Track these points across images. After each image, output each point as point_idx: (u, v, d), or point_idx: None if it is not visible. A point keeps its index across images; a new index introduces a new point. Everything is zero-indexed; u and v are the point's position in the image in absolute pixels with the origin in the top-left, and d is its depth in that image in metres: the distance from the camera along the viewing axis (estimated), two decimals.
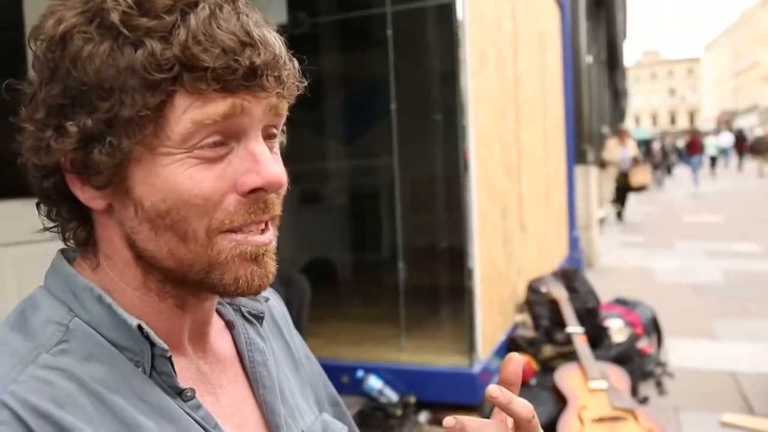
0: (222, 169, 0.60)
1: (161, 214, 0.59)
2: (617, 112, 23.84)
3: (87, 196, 0.61)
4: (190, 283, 0.63)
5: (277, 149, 0.67)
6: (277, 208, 0.65)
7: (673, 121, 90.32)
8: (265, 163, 0.61)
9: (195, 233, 0.60)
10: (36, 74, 0.60)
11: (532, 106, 5.18)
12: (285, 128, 0.72)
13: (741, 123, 54.80)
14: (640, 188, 12.81)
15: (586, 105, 8.51)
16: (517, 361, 0.70)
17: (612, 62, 17.37)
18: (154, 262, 0.62)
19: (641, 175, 12.54)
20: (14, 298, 2.48)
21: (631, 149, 12.56)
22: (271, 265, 0.65)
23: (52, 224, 0.66)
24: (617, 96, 22.37)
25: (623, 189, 12.66)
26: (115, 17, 0.56)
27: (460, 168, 3.30)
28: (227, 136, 0.60)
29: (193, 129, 0.57)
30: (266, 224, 0.64)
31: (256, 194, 0.61)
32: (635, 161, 12.30)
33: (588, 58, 8.98)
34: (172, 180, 0.58)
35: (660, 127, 78.99)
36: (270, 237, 0.65)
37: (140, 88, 0.56)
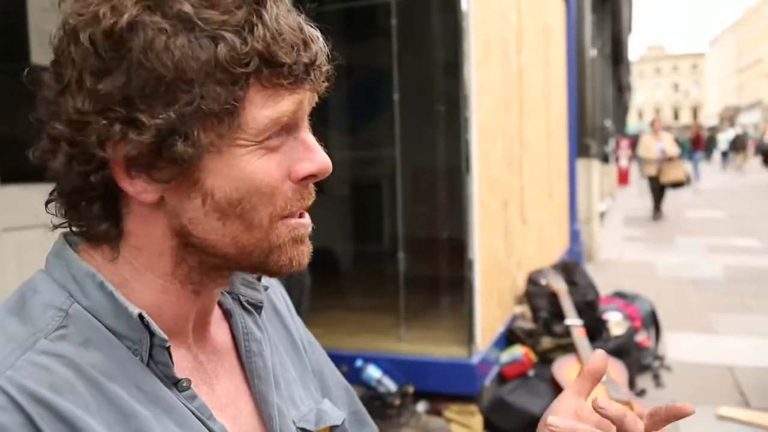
0: (279, 158, 0.63)
1: (233, 204, 0.61)
2: (620, 107, 23.80)
3: (138, 189, 0.60)
4: (242, 267, 0.67)
5: None
6: (313, 195, 0.69)
7: (676, 116, 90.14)
8: (318, 151, 0.65)
9: (261, 220, 0.63)
10: (72, 60, 0.57)
11: (535, 99, 5.17)
12: None
13: (744, 119, 54.68)
14: (676, 184, 11.75)
15: (590, 99, 8.49)
16: (604, 357, 0.73)
17: (616, 56, 17.33)
18: (213, 251, 0.64)
19: (674, 170, 11.55)
20: (15, 283, 2.48)
21: (668, 143, 11.60)
22: (310, 245, 0.69)
23: (62, 220, 0.64)
24: (621, 90, 22.33)
25: (656, 186, 11.97)
26: (187, 8, 0.56)
27: (461, 160, 3.30)
28: (285, 128, 0.63)
29: (270, 124, 0.60)
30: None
31: (306, 180, 0.65)
32: (665, 156, 11.38)
33: (592, 52, 8.96)
34: (248, 170, 0.60)
35: (663, 123, 78.81)
36: (309, 219, 0.68)
37: (223, 80, 0.57)
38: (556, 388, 3.17)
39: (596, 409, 0.67)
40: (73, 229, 0.65)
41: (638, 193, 17.10)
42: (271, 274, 0.69)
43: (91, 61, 0.56)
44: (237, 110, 0.58)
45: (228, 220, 0.62)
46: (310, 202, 0.67)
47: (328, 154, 0.66)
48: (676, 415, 0.70)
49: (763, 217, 11.74)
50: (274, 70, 0.59)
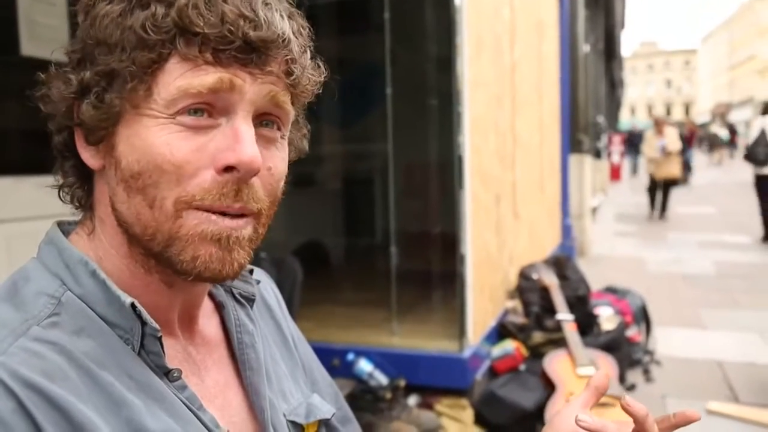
0: (203, 142, 0.59)
1: (134, 175, 0.60)
2: (613, 102, 23.85)
3: (87, 154, 0.63)
4: (152, 255, 0.62)
5: (281, 144, 0.66)
6: (255, 203, 0.62)
7: (668, 112, 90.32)
8: (244, 141, 0.59)
9: (163, 201, 0.59)
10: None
11: (528, 94, 5.17)
12: (308, 133, 0.74)
13: (736, 116, 54.94)
14: (670, 182, 11.12)
15: (582, 94, 8.51)
16: (608, 376, 0.80)
17: (609, 52, 17.35)
18: (125, 227, 0.62)
19: (667, 166, 10.84)
20: (4, 274, 2.48)
21: (671, 139, 10.78)
22: (239, 254, 0.62)
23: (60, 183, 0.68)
24: (613, 86, 22.36)
25: (653, 184, 11.36)
26: None
27: (454, 154, 3.30)
28: (216, 110, 0.60)
29: (178, 95, 0.58)
30: (243, 216, 0.62)
31: (231, 174, 0.59)
32: (664, 150, 10.70)
33: (585, 48, 8.97)
34: (150, 142, 0.58)
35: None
36: (239, 224, 0.62)
37: (136, 46, 0.58)
38: (547, 383, 3.18)
39: (578, 423, 0.71)
40: (61, 196, 0.67)
41: (630, 189, 17.16)
42: (179, 273, 0.62)
43: (76, 33, 0.62)
44: (147, 77, 0.58)
45: (131, 192, 0.60)
46: (236, 204, 0.61)
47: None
48: (683, 422, 0.73)
49: (754, 213, 11.79)
50: (188, 39, 0.57)
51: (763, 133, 8.24)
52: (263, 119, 0.63)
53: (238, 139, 0.59)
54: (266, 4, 0.60)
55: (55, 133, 0.64)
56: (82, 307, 0.61)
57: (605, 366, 3.28)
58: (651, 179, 11.33)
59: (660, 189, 11.27)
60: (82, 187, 0.66)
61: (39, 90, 0.63)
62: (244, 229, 0.62)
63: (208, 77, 0.58)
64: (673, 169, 10.95)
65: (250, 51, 0.58)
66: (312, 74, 0.65)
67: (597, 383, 0.78)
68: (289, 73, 0.62)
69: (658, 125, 11.01)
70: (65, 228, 0.68)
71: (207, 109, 0.59)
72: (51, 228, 0.67)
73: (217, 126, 0.60)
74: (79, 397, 0.55)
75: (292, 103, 0.65)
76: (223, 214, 0.61)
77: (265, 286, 0.89)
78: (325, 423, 0.83)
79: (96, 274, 0.62)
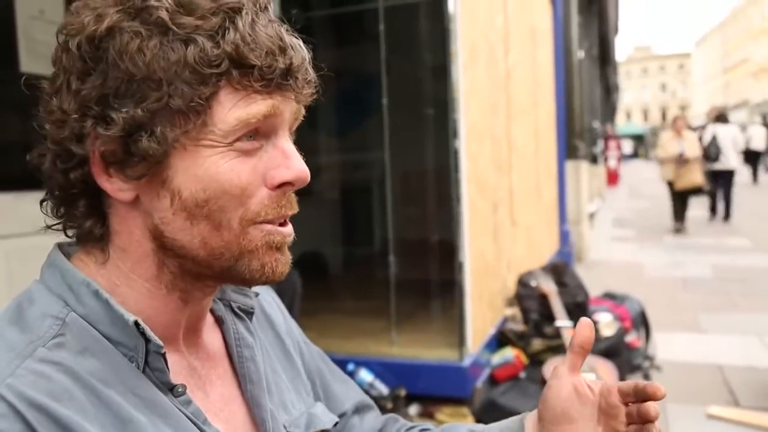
0: (254, 163, 0.64)
1: (200, 204, 0.62)
2: (608, 108, 23.92)
3: (114, 187, 0.63)
4: (215, 271, 0.66)
5: None
6: (296, 205, 0.69)
7: (664, 116, 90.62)
8: (294, 159, 0.66)
9: (230, 222, 0.63)
10: (63, 66, 0.62)
11: (523, 101, 5.19)
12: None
13: (731, 119, 55.13)
14: (692, 191, 10.03)
15: (578, 100, 8.54)
16: (590, 326, 0.77)
17: (603, 57, 17.43)
18: (183, 251, 0.64)
19: (690, 175, 9.73)
20: (4, 290, 2.48)
21: (690, 144, 9.76)
22: (289, 254, 0.69)
23: (56, 221, 0.67)
24: (608, 91, 22.44)
25: (675, 194, 10.23)
26: (163, 14, 0.59)
27: (450, 162, 3.31)
28: (260, 134, 0.64)
29: (238, 126, 0.61)
30: (286, 219, 0.68)
31: (283, 188, 0.65)
32: (681, 158, 9.64)
33: (579, 53, 9.01)
34: (215, 170, 0.61)
35: (651, 123, 79.22)
36: (291, 230, 0.69)
37: (191, 80, 0.59)
38: None
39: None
40: (67, 232, 0.67)
41: (627, 194, 17.19)
42: (245, 282, 0.68)
43: (77, 65, 0.60)
44: (204, 109, 0.60)
45: (195, 220, 0.63)
46: (290, 211, 0.67)
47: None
48: (646, 396, 0.72)
49: (753, 216, 11.82)
50: (243, 71, 0.60)
51: (714, 137, 10.74)
52: (289, 131, 0.69)
53: (288, 157, 0.65)
54: (287, 31, 0.65)
55: (67, 170, 0.62)
56: (86, 327, 0.62)
57: (605, 372, 3.28)
58: (671, 188, 10.18)
59: (678, 198, 10.27)
60: (100, 223, 0.66)
61: (52, 130, 0.62)
62: (293, 234, 0.69)
63: (260, 106, 0.62)
64: (695, 177, 9.79)
65: (287, 77, 0.63)
66: (313, 78, 0.70)
67: (579, 341, 0.77)
68: (307, 84, 0.67)
69: (676, 126, 9.92)
70: (66, 250, 0.68)
71: (254, 133, 0.64)
72: (52, 250, 0.68)
73: (262, 147, 0.65)
74: (86, 417, 0.56)
75: None
76: (281, 223, 0.67)
77: (265, 297, 0.90)
78: None
79: (99, 294, 0.63)
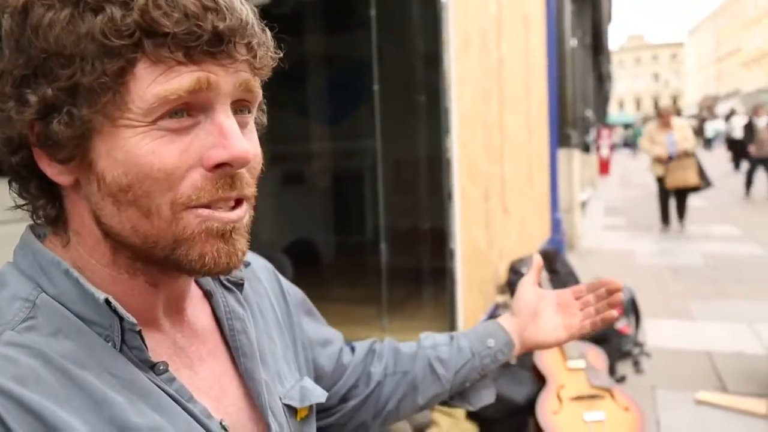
0: (188, 142, 0.58)
1: (123, 189, 0.57)
2: (601, 96, 23.93)
3: (54, 171, 0.60)
4: (156, 261, 0.62)
5: (251, 126, 0.65)
6: (248, 188, 0.63)
7: (656, 105, 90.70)
8: (233, 137, 0.58)
9: (159, 208, 0.58)
10: (3, 47, 0.58)
11: (515, 88, 5.19)
12: (265, 108, 0.71)
13: (723, 108, 55.28)
14: (687, 189, 8.72)
15: (570, 88, 8.53)
16: (541, 260, 1.10)
17: (596, 46, 17.40)
18: (119, 238, 0.61)
19: (682, 171, 8.39)
20: None
21: (680, 135, 8.50)
22: (241, 243, 0.63)
23: (23, 202, 0.64)
24: (601, 80, 22.43)
25: (663, 193, 8.97)
26: None
27: (442, 150, 3.31)
28: (194, 108, 0.58)
29: (157, 103, 0.56)
30: (237, 202, 0.62)
31: (222, 169, 0.59)
32: (665, 158, 8.50)
33: (572, 42, 8.99)
34: (134, 153, 0.56)
35: (643, 112, 79.37)
36: (240, 214, 0.62)
37: (99, 54, 0.54)
38: (538, 376, 3.19)
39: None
40: (32, 214, 0.65)
41: (618, 182, 17.23)
42: (188, 273, 0.64)
43: (10, 45, 0.57)
44: (118, 87, 0.55)
45: (122, 206, 0.58)
46: (231, 194, 0.61)
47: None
48: (601, 286, 1.00)
49: (743, 205, 11.88)
50: (156, 41, 0.54)
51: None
52: (237, 106, 0.62)
53: (226, 135, 0.58)
54: None
55: (10, 154, 0.59)
56: (57, 308, 0.60)
57: (595, 358, 3.30)
58: (660, 185, 8.96)
59: (672, 196, 9.01)
60: (51, 204, 0.63)
61: None
62: (244, 218, 0.63)
63: (184, 79, 0.56)
64: (688, 175, 8.40)
65: (219, 43, 0.56)
66: (271, 52, 0.63)
67: (537, 265, 1.08)
68: (254, 57, 0.60)
69: (663, 117, 8.72)
70: (38, 231, 0.67)
71: (185, 108, 0.58)
72: (24, 232, 0.66)
73: (198, 123, 0.59)
74: (56, 400, 0.54)
75: None
76: (232, 206, 0.61)
77: (259, 265, 0.89)
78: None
79: (69, 273, 0.61)
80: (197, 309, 0.75)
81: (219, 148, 0.58)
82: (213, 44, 0.56)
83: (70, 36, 0.54)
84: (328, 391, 0.88)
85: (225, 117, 0.59)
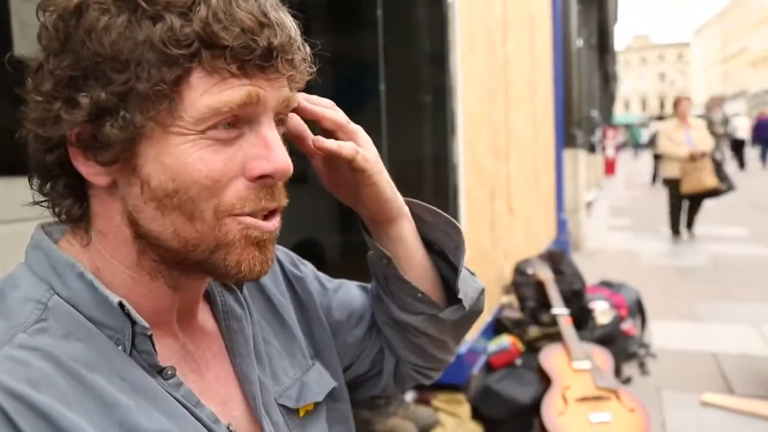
0: (232, 152, 0.60)
1: (169, 194, 0.59)
2: (607, 96, 23.88)
3: (90, 171, 0.60)
4: (191, 263, 0.63)
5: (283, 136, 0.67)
6: (284, 199, 0.65)
7: (662, 105, 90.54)
8: (276, 150, 0.61)
9: (202, 213, 0.60)
10: (43, 45, 0.58)
11: (521, 88, 5.18)
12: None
13: (729, 108, 55.16)
14: (704, 194, 7.84)
15: (576, 88, 8.52)
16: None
17: (602, 46, 17.37)
18: (157, 242, 0.61)
19: (699, 174, 7.53)
20: None
21: (698, 136, 7.69)
22: (272, 252, 0.66)
23: (42, 198, 0.65)
24: (607, 80, 22.38)
25: (676, 197, 8.08)
26: None
27: (447, 150, 3.30)
28: (240, 120, 0.60)
29: (209, 114, 0.57)
30: (271, 212, 0.64)
31: (263, 180, 0.61)
32: (694, 155, 7.51)
33: (578, 42, 8.98)
34: (183, 160, 0.58)
35: (649, 112, 79.17)
36: (276, 225, 0.65)
37: (157, 62, 0.55)
38: (543, 377, 3.19)
39: (315, 144, 0.75)
40: (54, 210, 0.65)
41: (623, 184, 17.18)
42: (220, 278, 0.65)
43: (53, 45, 0.57)
44: (173, 94, 0.56)
45: (166, 210, 0.60)
46: (272, 204, 0.64)
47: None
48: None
49: (750, 205, 11.84)
50: (215, 52, 0.56)
51: (656, 132, 12.64)
52: (275, 119, 0.64)
53: (270, 147, 0.61)
54: (272, 6, 0.60)
55: (45, 152, 0.60)
56: (69, 311, 0.60)
57: (601, 359, 3.29)
58: (672, 190, 8.05)
59: (686, 201, 8.19)
60: (79, 204, 0.64)
61: (29, 110, 0.59)
62: (277, 229, 0.66)
63: (236, 93, 0.58)
64: (705, 177, 7.55)
65: (269, 58, 0.58)
66: (308, 66, 0.66)
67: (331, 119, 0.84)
68: (294, 66, 0.62)
69: (680, 109, 7.80)
70: (49, 230, 0.67)
71: (232, 120, 0.59)
72: (35, 232, 0.66)
73: (242, 135, 0.61)
74: (67, 404, 0.54)
75: None
76: (265, 216, 0.64)
77: None
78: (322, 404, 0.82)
79: (83, 276, 0.61)
80: (203, 312, 0.75)
81: (263, 160, 0.61)
82: (265, 59, 0.58)
83: (127, 42, 0.55)
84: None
85: (269, 129, 0.62)
